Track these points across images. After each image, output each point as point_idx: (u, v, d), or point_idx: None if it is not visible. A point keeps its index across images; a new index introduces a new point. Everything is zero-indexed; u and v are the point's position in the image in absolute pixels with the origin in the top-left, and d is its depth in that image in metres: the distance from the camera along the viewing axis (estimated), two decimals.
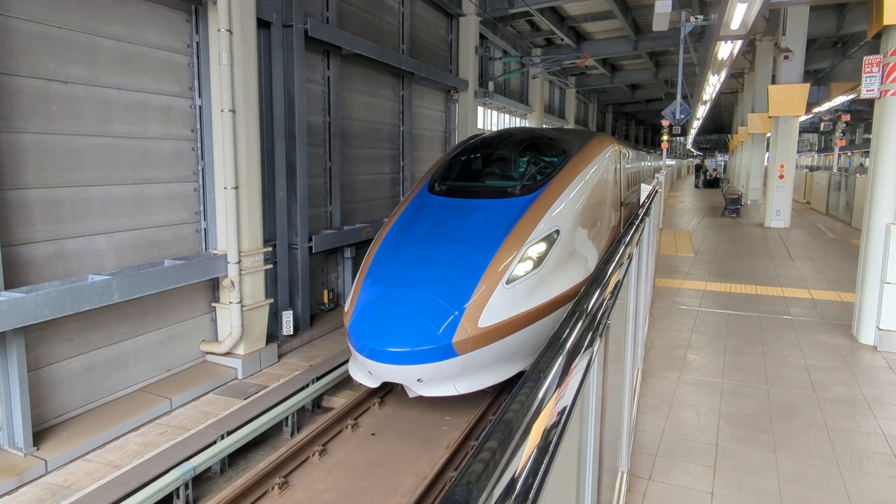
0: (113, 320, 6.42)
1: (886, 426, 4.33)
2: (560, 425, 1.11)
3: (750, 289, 8.50)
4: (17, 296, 4.99)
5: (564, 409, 1.18)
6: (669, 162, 34.03)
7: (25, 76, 5.46)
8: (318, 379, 7.28)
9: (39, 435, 5.59)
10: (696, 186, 35.64)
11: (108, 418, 6.06)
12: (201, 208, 7.46)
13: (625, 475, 3.49)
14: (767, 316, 7.16)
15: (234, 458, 6.01)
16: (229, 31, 6.98)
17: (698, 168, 40.41)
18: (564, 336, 1.47)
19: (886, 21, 5.69)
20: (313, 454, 5.52)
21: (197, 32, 7.19)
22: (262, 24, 8.04)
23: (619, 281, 2.36)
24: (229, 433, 5.90)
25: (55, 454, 5.38)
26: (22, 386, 5.28)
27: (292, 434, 6.57)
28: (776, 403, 4.73)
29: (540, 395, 1.11)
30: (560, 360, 1.30)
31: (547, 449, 1.00)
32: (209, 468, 5.59)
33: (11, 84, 5.35)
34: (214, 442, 5.74)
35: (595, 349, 1.61)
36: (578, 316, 1.66)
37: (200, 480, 5.56)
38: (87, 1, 5.95)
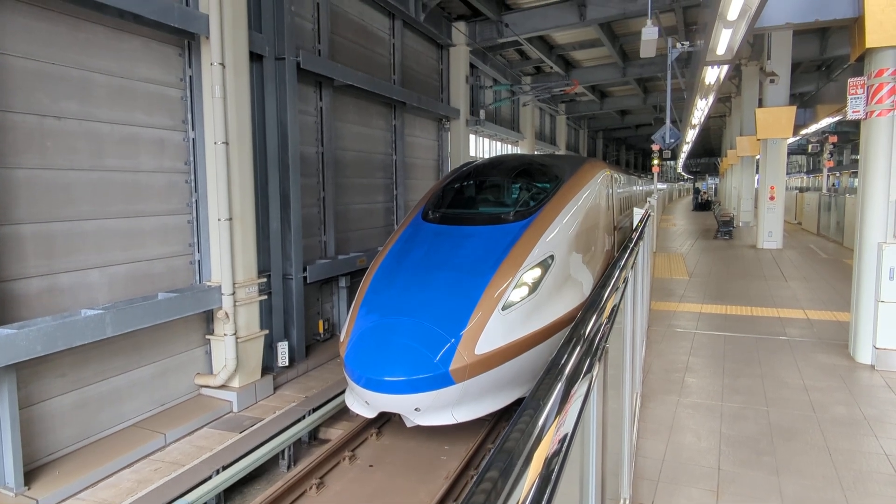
0: (106, 355, 6.36)
1: (888, 446, 4.30)
2: (562, 453, 1.09)
3: (745, 310, 8.50)
4: (8, 332, 4.94)
5: (566, 436, 1.16)
6: (661, 186, 34.33)
7: (19, 112, 5.48)
8: (314, 410, 7.19)
9: (31, 474, 5.48)
10: (694, 209, 36.25)
11: (101, 455, 5.96)
12: (195, 240, 7.45)
13: (627, 502, 3.44)
14: (764, 337, 7.15)
15: (230, 494, 5.90)
16: (222, 64, 7.05)
17: (697, 191, 41.58)
18: (563, 362, 1.46)
19: (869, 44, 5.79)
20: (310, 487, 5.43)
21: (190, 66, 7.26)
22: (255, 58, 8.12)
23: (615, 305, 2.36)
24: (224, 468, 5.80)
25: (47, 493, 5.27)
26: (13, 424, 5.19)
27: (289, 467, 6.47)
28: (776, 425, 4.70)
29: (540, 423, 1.10)
30: (559, 387, 1.29)
31: (549, 478, 0.98)
32: None
33: (5, 120, 5.37)
34: (209, 477, 5.64)
35: (594, 374, 1.59)
36: (576, 341, 1.65)
37: None
38: (79, 37, 6.02)
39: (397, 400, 5.20)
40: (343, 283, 10.55)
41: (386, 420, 6.76)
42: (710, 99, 15.87)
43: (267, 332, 8.01)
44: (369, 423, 6.60)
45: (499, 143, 21.98)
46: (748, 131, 20.00)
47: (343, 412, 7.37)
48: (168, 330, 7.04)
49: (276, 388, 8.03)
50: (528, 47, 17.64)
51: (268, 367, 8.26)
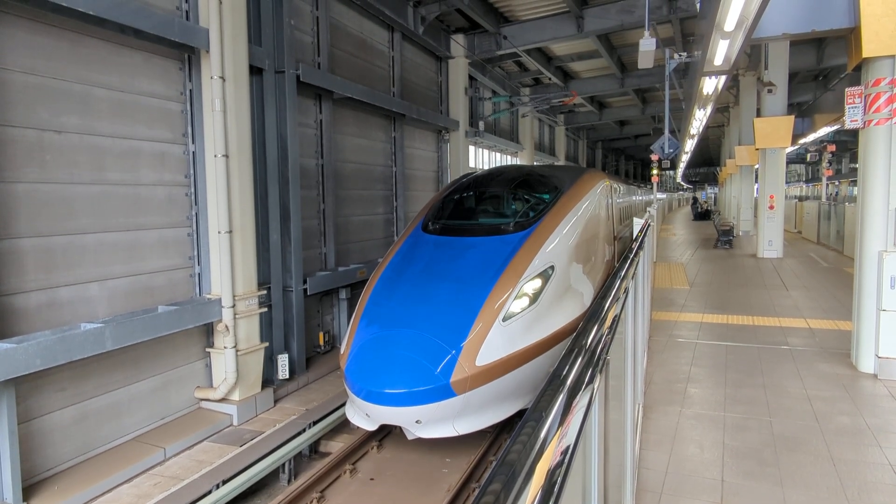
0: (106, 368, 6.33)
1: (892, 456, 4.28)
2: (564, 466, 1.08)
3: (747, 320, 8.49)
4: (7, 346, 4.93)
5: (568, 448, 1.15)
6: (660, 196, 34.40)
7: (20, 126, 5.50)
8: (314, 423, 7.16)
9: (29, 489, 5.45)
10: (694, 218, 36.49)
11: (101, 470, 5.92)
12: (195, 253, 7.44)
13: None
14: (766, 346, 7.13)
15: None
16: (222, 78, 7.08)
17: (695, 200, 42.17)
18: (564, 373, 1.45)
19: (866, 54, 5.83)
20: (311, 501, 5.40)
21: (190, 80, 7.29)
22: (255, 71, 8.16)
23: (616, 315, 2.35)
24: (224, 482, 5.77)
25: None
26: (12, 439, 5.16)
27: (289, 481, 6.43)
28: (780, 435, 4.67)
29: (542, 435, 1.09)
30: (561, 398, 1.28)
31: (552, 490, 0.97)
32: None
33: (5, 135, 5.39)
34: (209, 492, 5.60)
35: (596, 385, 1.58)
36: (577, 352, 1.64)
37: None
38: (81, 52, 6.04)
39: (398, 412, 5.17)
40: (343, 294, 10.54)
41: (387, 433, 6.72)
42: (709, 109, 15.93)
43: (267, 344, 7.99)
44: (370, 436, 6.57)
45: (498, 155, 22.04)
46: (747, 141, 20.07)
47: (344, 425, 7.33)
48: (168, 343, 7.02)
49: (276, 401, 7.99)
50: (526, 59, 17.74)
51: (268, 379, 8.23)
